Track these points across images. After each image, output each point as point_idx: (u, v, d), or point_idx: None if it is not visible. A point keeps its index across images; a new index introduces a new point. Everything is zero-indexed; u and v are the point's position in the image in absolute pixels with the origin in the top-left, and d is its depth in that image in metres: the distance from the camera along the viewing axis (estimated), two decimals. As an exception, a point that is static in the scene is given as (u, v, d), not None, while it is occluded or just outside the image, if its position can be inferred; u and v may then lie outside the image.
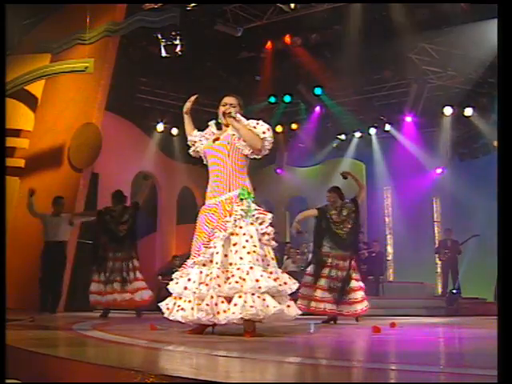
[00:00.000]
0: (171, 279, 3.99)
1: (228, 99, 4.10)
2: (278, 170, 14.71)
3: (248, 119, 4.08)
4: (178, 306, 3.80)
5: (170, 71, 11.02)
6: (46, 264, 7.84)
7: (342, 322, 6.39)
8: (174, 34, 9.07)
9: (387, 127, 13.11)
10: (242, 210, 3.80)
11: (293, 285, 3.85)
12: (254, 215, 3.85)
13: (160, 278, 11.02)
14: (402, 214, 13.51)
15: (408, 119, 12.62)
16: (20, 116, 10.02)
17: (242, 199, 3.85)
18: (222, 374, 2.04)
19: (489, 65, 9.79)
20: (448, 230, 11.85)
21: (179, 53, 9.20)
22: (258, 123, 4.05)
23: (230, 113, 4.00)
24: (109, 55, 9.31)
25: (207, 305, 3.61)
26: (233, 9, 9.73)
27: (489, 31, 8.53)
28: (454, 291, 10.85)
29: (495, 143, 11.44)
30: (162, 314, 3.95)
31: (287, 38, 10.75)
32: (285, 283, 3.79)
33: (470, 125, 12.22)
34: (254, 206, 3.89)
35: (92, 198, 9.86)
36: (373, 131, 13.41)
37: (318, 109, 13.05)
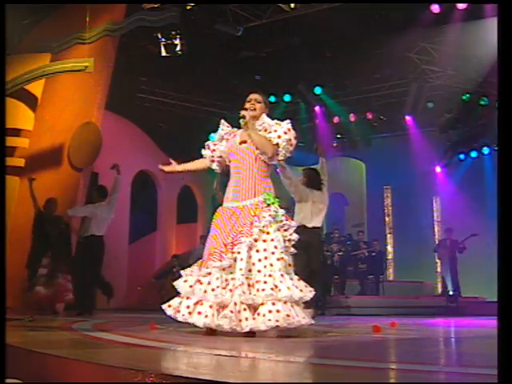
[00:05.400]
0: (173, 279, 3.91)
1: (253, 95, 4.02)
2: (278, 170, 14.67)
3: (273, 119, 3.99)
4: (195, 309, 3.67)
5: (170, 71, 11.01)
6: (83, 261, 7.31)
7: (342, 321, 6.38)
8: (173, 33, 9.04)
9: (387, 127, 13.10)
10: (269, 215, 3.74)
11: (309, 293, 3.77)
12: (281, 221, 3.80)
13: (153, 280, 10.98)
14: (402, 214, 13.50)
15: (408, 119, 12.63)
16: (20, 115, 10.00)
17: (268, 204, 3.78)
18: (222, 374, 2.03)
19: (489, 65, 9.77)
20: (448, 230, 11.85)
21: (179, 52, 9.18)
22: (277, 123, 3.92)
23: (243, 116, 3.89)
24: (108, 55, 9.31)
25: (231, 312, 3.49)
26: (233, 8, 9.71)
27: (489, 31, 8.53)
28: (454, 291, 10.84)
29: (495, 143, 11.44)
30: (165, 312, 3.82)
31: (288, 38, 10.72)
32: (301, 291, 3.71)
33: (470, 124, 12.22)
34: (281, 211, 3.83)
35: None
36: (373, 131, 13.39)
37: (317, 108, 13.04)
